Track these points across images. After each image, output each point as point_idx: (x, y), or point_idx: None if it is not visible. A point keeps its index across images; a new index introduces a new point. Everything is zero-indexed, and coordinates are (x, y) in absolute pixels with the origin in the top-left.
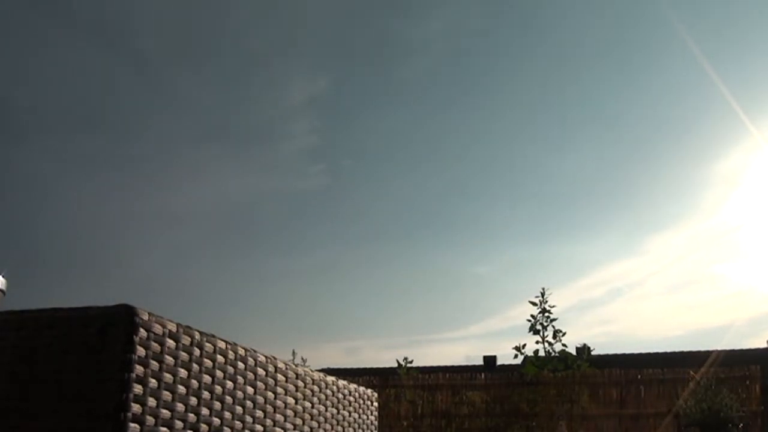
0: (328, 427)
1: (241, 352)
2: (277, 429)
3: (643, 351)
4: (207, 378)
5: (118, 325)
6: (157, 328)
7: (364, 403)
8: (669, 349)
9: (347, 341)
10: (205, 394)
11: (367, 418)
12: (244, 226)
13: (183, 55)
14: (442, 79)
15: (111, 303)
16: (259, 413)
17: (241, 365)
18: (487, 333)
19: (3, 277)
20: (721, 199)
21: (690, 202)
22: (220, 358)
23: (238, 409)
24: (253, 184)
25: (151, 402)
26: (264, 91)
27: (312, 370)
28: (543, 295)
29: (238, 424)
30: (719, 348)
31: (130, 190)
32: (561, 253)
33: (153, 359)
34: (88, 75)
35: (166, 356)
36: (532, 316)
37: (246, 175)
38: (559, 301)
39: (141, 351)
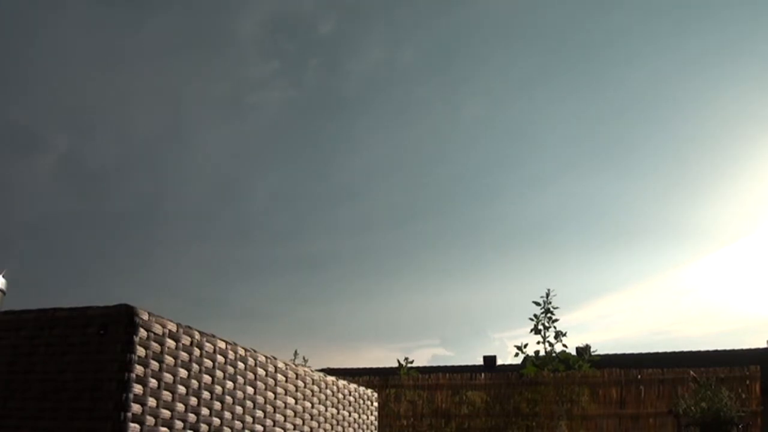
0: (328, 427)
1: (241, 352)
2: (277, 429)
3: (644, 351)
4: (207, 378)
5: (118, 325)
6: (157, 328)
7: (364, 403)
8: (670, 349)
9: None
10: (205, 394)
11: (367, 418)
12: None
13: None
14: None
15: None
16: (259, 413)
17: (241, 365)
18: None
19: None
20: None
21: None
22: (220, 358)
23: (238, 409)
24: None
25: (151, 402)
26: None
27: (312, 370)
28: (548, 296)
29: (238, 424)
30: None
31: None
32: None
33: (153, 359)
34: None
35: (166, 356)
36: (535, 315)
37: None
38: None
39: (141, 351)
